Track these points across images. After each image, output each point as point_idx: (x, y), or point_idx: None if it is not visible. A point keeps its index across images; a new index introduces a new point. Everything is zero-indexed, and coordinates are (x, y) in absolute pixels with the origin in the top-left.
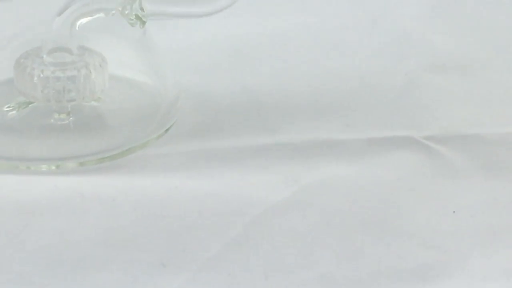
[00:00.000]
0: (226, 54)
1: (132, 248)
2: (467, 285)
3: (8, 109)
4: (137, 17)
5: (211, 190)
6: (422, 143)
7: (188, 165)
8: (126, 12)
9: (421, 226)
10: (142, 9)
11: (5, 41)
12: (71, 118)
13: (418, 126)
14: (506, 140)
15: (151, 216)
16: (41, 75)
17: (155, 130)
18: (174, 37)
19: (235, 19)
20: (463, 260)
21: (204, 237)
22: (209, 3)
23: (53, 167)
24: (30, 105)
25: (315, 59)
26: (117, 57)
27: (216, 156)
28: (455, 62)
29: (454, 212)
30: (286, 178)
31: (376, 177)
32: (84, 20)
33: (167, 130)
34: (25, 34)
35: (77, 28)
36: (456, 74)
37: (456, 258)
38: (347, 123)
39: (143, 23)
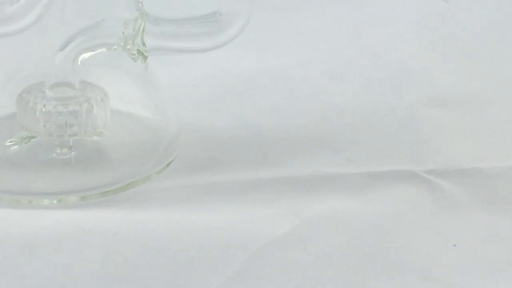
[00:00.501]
0: (227, 89)
1: (133, 281)
2: None
3: (10, 143)
4: (139, 52)
5: (212, 224)
6: (423, 177)
7: (189, 199)
8: (128, 47)
9: (422, 260)
10: (144, 44)
11: (7, 76)
12: (73, 153)
13: (419, 160)
14: (506, 174)
15: (152, 249)
16: (43, 110)
17: (157, 164)
18: (176, 71)
19: (236, 54)
20: None
21: (205, 270)
22: (210, 38)
23: (55, 201)
24: (32, 139)
25: (315, 94)
26: (119, 91)
27: (217, 190)
28: (455, 96)
29: (454, 245)
30: (287, 212)
31: (377, 211)
32: (86, 55)
33: (168, 164)
34: (27, 69)
35: (79, 63)
36: (456, 108)
37: None
38: (347, 157)
39: (145, 58)
